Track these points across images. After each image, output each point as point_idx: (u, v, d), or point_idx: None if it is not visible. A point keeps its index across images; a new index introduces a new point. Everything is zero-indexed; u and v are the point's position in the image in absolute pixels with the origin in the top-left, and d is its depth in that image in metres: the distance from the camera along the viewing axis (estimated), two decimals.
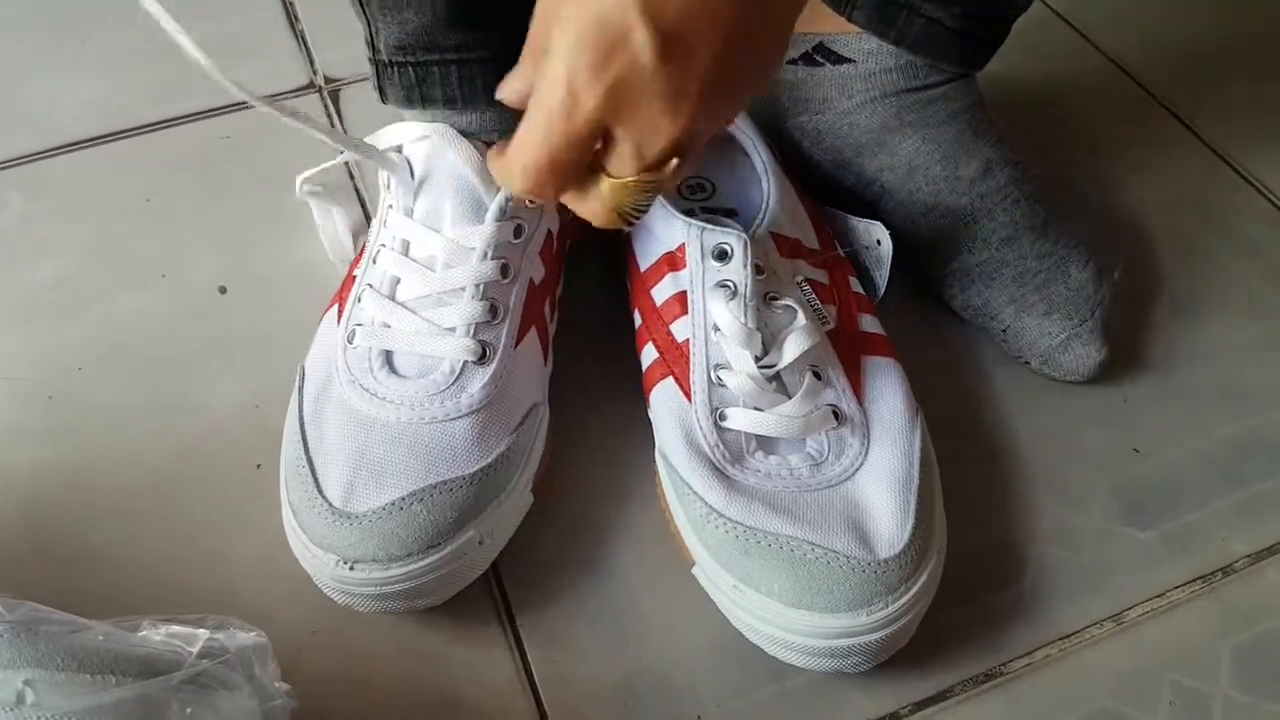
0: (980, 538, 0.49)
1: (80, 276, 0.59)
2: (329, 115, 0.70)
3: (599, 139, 0.34)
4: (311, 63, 0.73)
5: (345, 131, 0.68)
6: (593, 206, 0.37)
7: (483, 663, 0.45)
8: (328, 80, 0.72)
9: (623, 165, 0.34)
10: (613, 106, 0.32)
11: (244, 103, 0.39)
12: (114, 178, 0.65)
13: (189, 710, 0.31)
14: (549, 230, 0.51)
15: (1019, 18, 0.56)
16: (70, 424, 0.52)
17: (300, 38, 0.75)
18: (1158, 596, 0.47)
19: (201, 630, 0.33)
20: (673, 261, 0.50)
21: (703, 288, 0.48)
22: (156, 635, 0.33)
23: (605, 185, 0.36)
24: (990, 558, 0.48)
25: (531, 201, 0.48)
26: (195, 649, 0.32)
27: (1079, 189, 0.59)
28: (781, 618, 0.41)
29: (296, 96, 0.71)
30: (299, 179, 0.52)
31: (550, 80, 0.32)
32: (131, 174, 0.65)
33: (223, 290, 0.59)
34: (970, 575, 0.47)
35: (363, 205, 0.63)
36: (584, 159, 0.35)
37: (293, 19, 0.77)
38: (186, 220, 0.62)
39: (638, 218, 0.38)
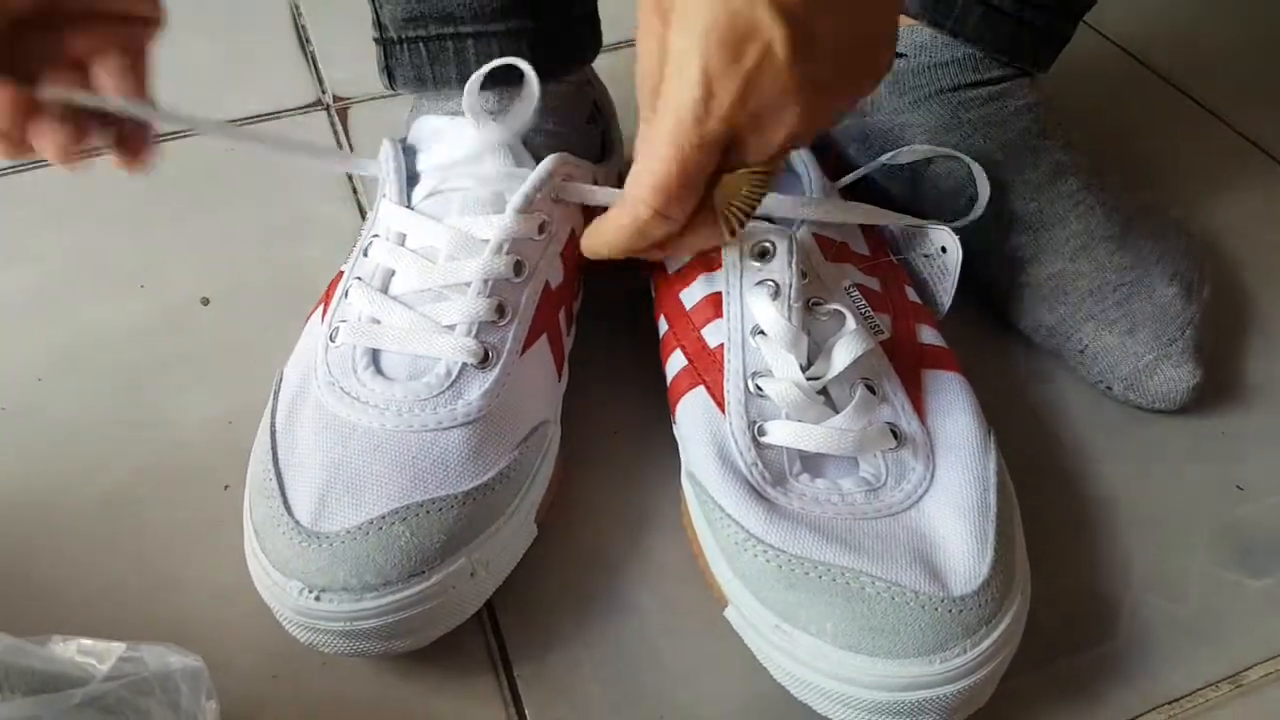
0: (1066, 584, 0.41)
1: (50, 285, 0.54)
2: (336, 134, 0.65)
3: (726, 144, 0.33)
4: (320, 81, 0.69)
5: (352, 149, 0.64)
6: (705, 225, 0.36)
7: (473, 719, 0.38)
8: (336, 99, 0.68)
9: (747, 157, 0.34)
10: (745, 99, 0.31)
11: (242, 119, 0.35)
12: (99, 190, 0.60)
13: None
14: (572, 229, 0.46)
15: (1085, 14, 0.51)
16: (20, 438, 0.47)
17: (310, 57, 0.71)
18: None
19: (116, 644, 0.26)
20: (707, 262, 0.44)
21: (741, 288, 0.42)
22: (67, 651, 0.27)
23: (722, 181, 0.35)
24: (1079, 607, 0.41)
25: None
26: (106, 667, 0.26)
27: (1159, 206, 0.53)
28: (835, 665, 0.34)
29: (304, 113, 0.67)
30: None
31: (683, 81, 0.31)
32: (118, 187, 0.60)
33: (205, 302, 0.53)
34: (1056, 626, 0.40)
35: (358, 202, 0.58)
36: (713, 166, 0.33)
37: (303, 39, 0.73)
38: (172, 231, 0.57)
39: (747, 217, 0.36)
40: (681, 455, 0.42)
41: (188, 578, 0.41)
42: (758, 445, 0.39)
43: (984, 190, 0.48)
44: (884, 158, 0.50)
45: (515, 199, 0.42)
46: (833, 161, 0.54)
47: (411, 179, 0.44)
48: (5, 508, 0.44)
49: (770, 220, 0.45)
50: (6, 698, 0.24)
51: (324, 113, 0.66)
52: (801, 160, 0.49)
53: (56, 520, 0.43)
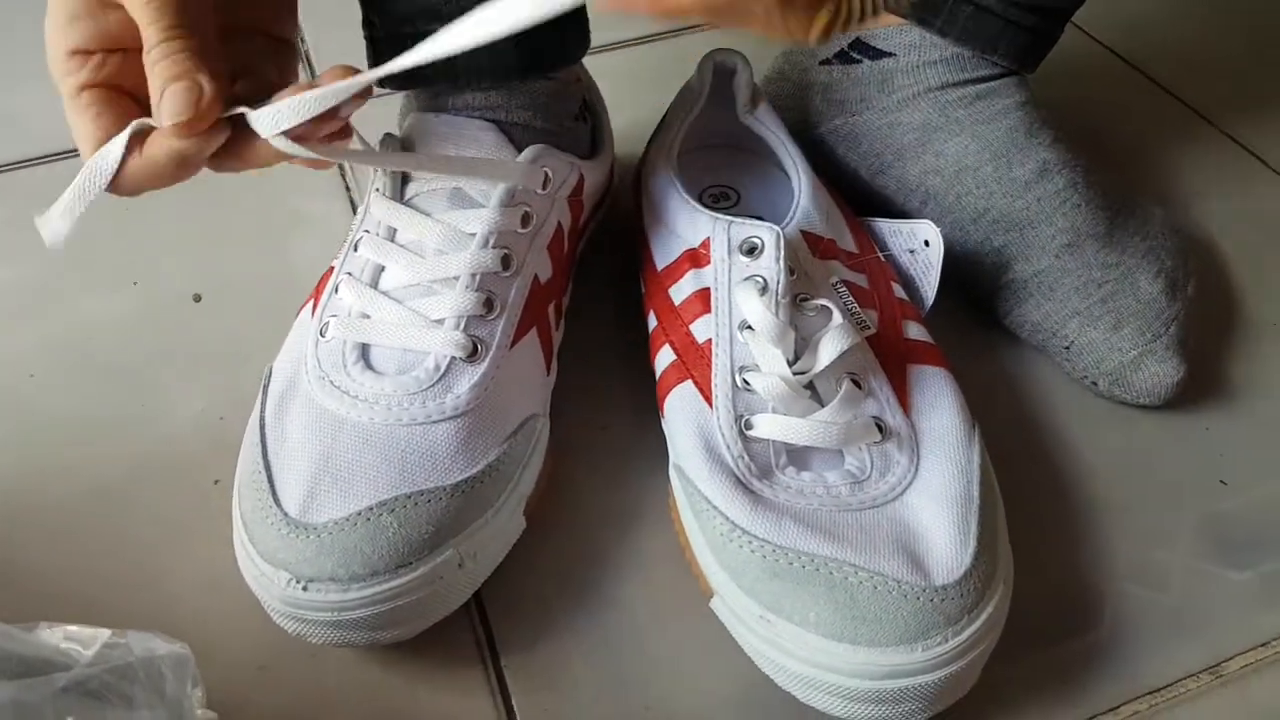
0: (1049, 575, 0.42)
1: (43, 281, 0.54)
2: None
3: None
4: (313, 75, 0.69)
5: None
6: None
7: (460, 710, 0.38)
8: None
9: None
10: None
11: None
12: None
13: None
14: (559, 223, 0.46)
15: (1073, 14, 0.52)
16: (12, 432, 0.47)
17: (304, 57, 0.71)
18: (1261, 645, 0.40)
19: (102, 630, 0.27)
20: (695, 258, 0.44)
21: (729, 284, 0.42)
22: (53, 637, 0.27)
23: None
24: (1062, 598, 0.41)
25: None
26: (90, 652, 0.26)
27: (1144, 203, 0.53)
28: (819, 653, 0.34)
29: None
30: None
31: None
32: None
33: (197, 298, 0.53)
34: (1039, 617, 0.40)
35: (350, 199, 0.58)
36: None
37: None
38: (167, 228, 0.57)
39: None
40: (669, 448, 0.42)
41: (177, 570, 0.41)
42: (744, 438, 0.39)
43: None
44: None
45: (497, 192, 0.43)
46: (820, 163, 0.54)
47: (405, 175, 0.44)
48: None
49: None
50: None
51: None
52: (791, 159, 0.49)
53: (47, 512, 0.44)
